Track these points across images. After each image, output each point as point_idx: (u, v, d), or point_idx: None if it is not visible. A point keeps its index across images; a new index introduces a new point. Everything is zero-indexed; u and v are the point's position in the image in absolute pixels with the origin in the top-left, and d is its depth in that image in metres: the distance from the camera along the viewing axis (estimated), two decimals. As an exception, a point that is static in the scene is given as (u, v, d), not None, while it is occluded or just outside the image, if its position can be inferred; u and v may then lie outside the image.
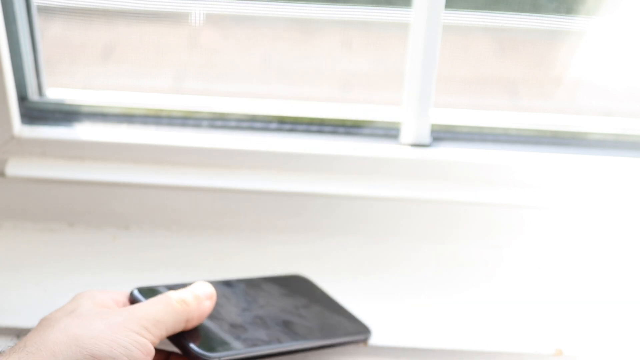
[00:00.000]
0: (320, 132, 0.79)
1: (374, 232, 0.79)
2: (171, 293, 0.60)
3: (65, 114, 0.79)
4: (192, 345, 0.62)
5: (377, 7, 0.76)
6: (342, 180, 0.77)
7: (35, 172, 0.77)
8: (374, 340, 0.69)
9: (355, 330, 0.69)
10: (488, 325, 0.71)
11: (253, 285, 0.71)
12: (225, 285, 0.70)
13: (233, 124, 0.79)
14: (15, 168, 0.77)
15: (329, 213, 0.78)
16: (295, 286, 0.73)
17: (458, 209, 0.78)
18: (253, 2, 0.76)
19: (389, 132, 0.78)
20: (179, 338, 0.62)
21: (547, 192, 0.77)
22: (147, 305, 0.58)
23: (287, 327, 0.67)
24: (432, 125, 0.77)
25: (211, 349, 0.63)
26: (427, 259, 0.77)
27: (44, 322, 0.56)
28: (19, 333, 0.70)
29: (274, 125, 0.79)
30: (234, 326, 0.65)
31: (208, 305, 0.61)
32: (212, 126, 0.79)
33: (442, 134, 0.78)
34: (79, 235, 0.79)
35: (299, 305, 0.70)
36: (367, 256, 0.78)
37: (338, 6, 0.76)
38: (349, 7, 0.76)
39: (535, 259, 0.78)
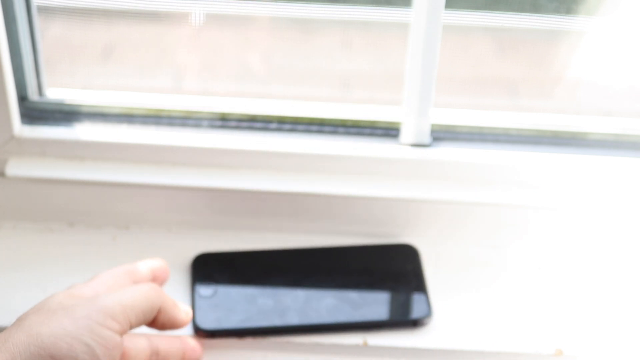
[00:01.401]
0: (320, 132, 0.79)
1: (374, 232, 0.79)
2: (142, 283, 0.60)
3: (65, 114, 0.79)
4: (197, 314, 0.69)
5: (377, 7, 0.76)
6: (342, 180, 0.77)
7: (35, 172, 0.77)
8: (374, 340, 0.69)
9: (399, 315, 0.71)
10: (488, 325, 0.71)
11: (334, 255, 0.76)
12: (301, 253, 0.76)
13: (233, 124, 0.79)
14: (15, 168, 0.77)
15: (329, 213, 0.78)
16: (389, 258, 0.76)
17: (458, 209, 0.78)
18: (253, 2, 0.76)
19: (389, 132, 0.78)
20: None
21: (547, 192, 0.77)
22: (114, 293, 0.56)
23: (320, 307, 0.70)
24: (432, 125, 0.77)
25: (210, 320, 0.69)
26: (426, 259, 0.77)
27: (17, 320, 0.54)
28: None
29: (274, 125, 0.79)
30: (253, 298, 0.71)
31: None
32: (212, 126, 0.79)
33: (442, 134, 0.78)
34: (79, 235, 0.79)
35: (364, 282, 0.73)
36: (367, 256, 0.78)
37: (338, 6, 0.76)
38: (349, 7, 0.76)
39: (535, 259, 0.78)
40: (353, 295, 0.71)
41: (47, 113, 0.78)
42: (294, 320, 0.69)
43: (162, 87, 0.80)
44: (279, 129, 0.79)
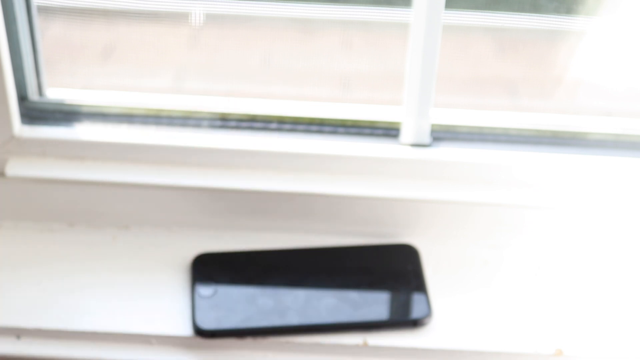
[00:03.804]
0: (320, 132, 0.79)
1: (374, 232, 0.79)
2: None
3: (65, 114, 0.79)
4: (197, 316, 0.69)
5: (377, 7, 0.76)
6: (342, 180, 0.77)
7: (35, 172, 0.77)
8: (374, 340, 0.69)
9: (399, 315, 0.71)
10: (488, 325, 0.71)
11: (334, 255, 0.76)
12: (301, 253, 0.76)
13: (233, 124, 0.79)
14: (15, 168, 0.77)
15: (329, 213, 0.78)
16: (389, 258, 0.76)
17: (458, 208, 0.78)
18: (253, 2, 0.76)
19: (389, 132, 0.78)
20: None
21: (547, 192, 0.77)
22: None
23: (320, 307, 0.70)
24: (432, 125, 0.77)
25: (210, 320, 0.69)
26: (426, 259, 0.77)
27: None
28: (19, 333, 0.70)
29: (274, 125, 0.79)
30: (254, 298, 0.71)
31: None
32: (212, 126, 0.79)
33: (442, 134, 0.78)
34: (79, 235, 0.79)
35: (365, 282, 0.73)
36: (367, 256, 0.78)
37: (338, 6, 0.76)
38: (349, 7, 0.76)
39: (535, 259, 0.78)
40: (353, 295, 0.71)
41: (47, 113, 0.78)
42: (294, 320, 0.69)
43: (162, 87, 0.80)
44: (279, 129, 0.79)
